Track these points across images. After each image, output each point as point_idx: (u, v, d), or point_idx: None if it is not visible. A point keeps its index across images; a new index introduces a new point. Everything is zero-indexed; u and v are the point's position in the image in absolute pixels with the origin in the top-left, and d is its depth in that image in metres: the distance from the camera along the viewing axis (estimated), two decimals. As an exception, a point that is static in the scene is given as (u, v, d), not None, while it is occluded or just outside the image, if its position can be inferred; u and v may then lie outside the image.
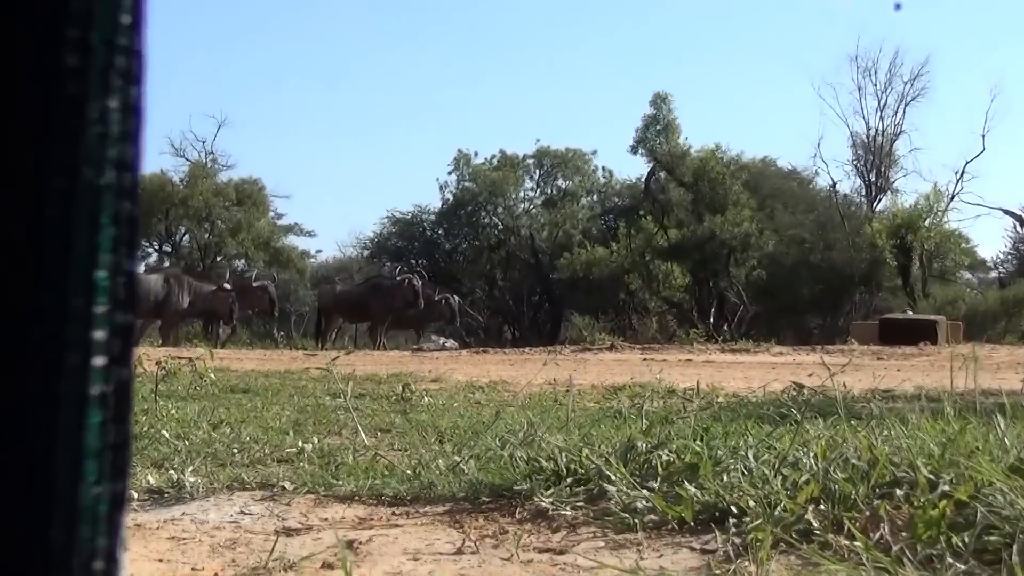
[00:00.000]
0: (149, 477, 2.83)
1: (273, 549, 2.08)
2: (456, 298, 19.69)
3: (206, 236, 27.64)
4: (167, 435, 3.64)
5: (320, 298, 20.35)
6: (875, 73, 29.05)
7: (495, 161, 30.82)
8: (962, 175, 28.27)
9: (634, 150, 26.17)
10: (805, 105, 52.30)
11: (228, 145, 46.45)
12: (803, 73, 55.57)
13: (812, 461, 2.30)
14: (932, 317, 16.97)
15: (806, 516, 1.98)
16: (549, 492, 2.44)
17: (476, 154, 30.54)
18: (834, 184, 29.22)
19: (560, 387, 6.64)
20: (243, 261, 29.57)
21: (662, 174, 26.69)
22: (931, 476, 2.07)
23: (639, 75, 46.90)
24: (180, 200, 26.46)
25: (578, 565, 1.95)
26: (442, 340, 15.67)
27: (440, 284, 30.04)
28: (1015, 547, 1.69)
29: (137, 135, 0.43)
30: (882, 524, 1.89)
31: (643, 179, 27.86)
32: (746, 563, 1.83)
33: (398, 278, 18.85)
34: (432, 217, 31.08)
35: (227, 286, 17.98)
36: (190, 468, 2.94)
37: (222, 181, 28.42)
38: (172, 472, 2.88)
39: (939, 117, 41.53)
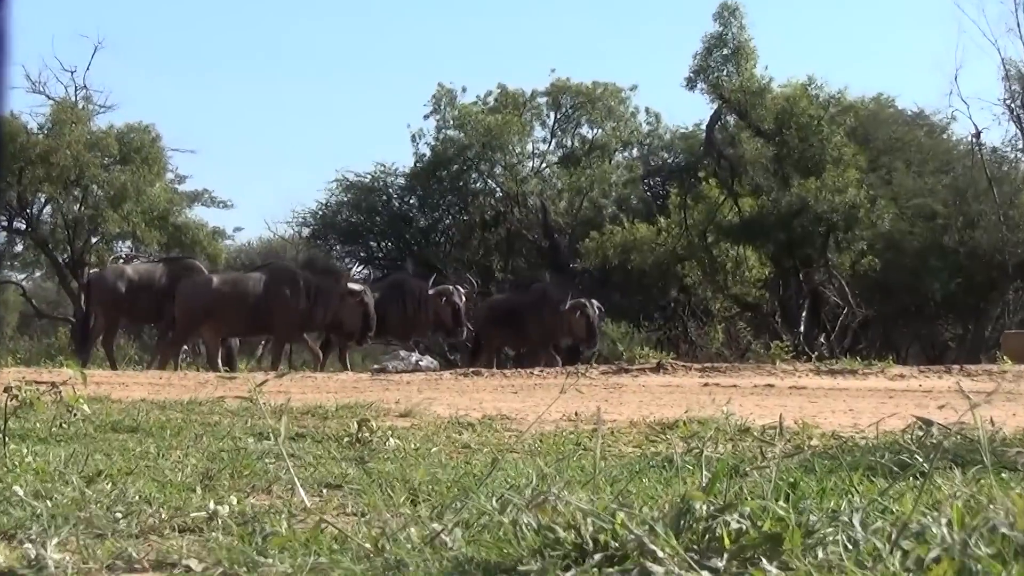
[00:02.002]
0: (-4, 552, 2.84)
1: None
2: (596, 307, 19.46)
3: (76, 207, 27.68)
4: (21, 492, 3.64)
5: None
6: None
7: (492, 100, 30.82)
8: None
9: (691, 84, 26.06)
10: (935, 20, 52.35)
11: (108, 78, 46.50)
12: (934, -27, 55.48)
13: (945, 530, 2.30)
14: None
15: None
16: (569, 574, 2.45)
17: (464, 90, 30.56)
18: (978, 133, 29.11)
19: (584, 424, 6.63)
20: (129, 242, 29.63)
21: (731, 119, 26.67)
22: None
23: (697, -24, 46.87)
24: (39, 156, 26.45)
25: None
26: (414, 357, 15.63)
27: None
28: None
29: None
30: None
31: (704, 126, 27.83)
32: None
33: (432, 290, 18.70)
34: (401, 181, 31.11)
35: (357, 287, 17.72)
36: (54, 540, 2.94)
37: (99, 128, 28.46)
38: (29, 546, 2.88)
39: None
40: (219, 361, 17.64)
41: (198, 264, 19.60)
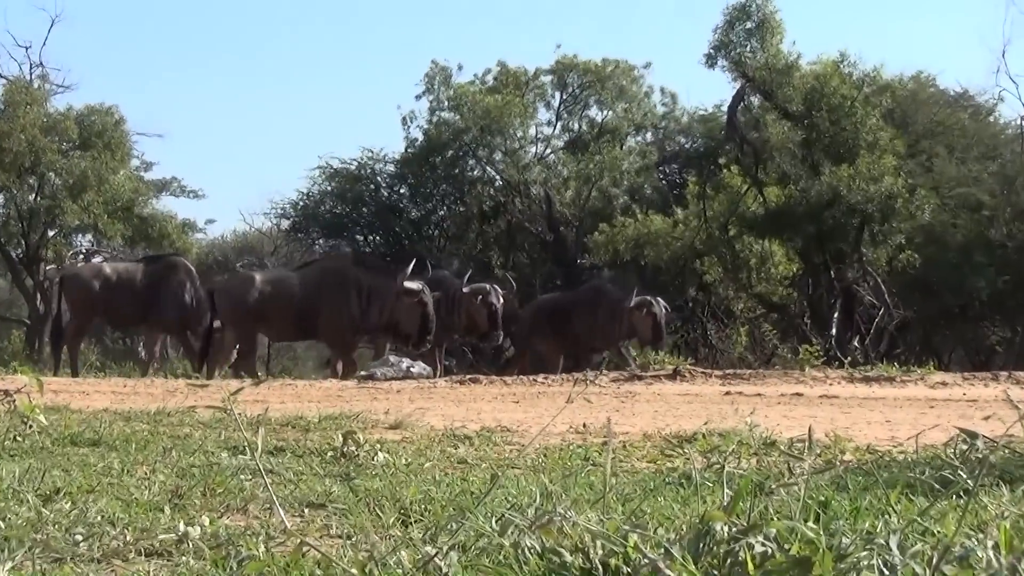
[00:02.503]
0: (-56, 578, 2.85)
1: None
2: (663, 306, 19.48)
3: (32, 197, 27.70)
4: (-28, 512, 3.66)
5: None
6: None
7: (491, 79, 30.82)
8: None
9: (711, 61, 26.03)
10: (982, -10, 52.28)
11: (66, 54, 46.61)
12: (979, -61, 55.51)
13: (991, 554, 2.30)
14: None
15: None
16: (576, 603, 2.45)
17: (460, 68, 30.58)
18: (1029, 115, 29.23)
19: (593, 437, 6.64)
20: (91, 236, 29.64)
21: (755, 99, 26.65)
22: None
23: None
24: (-9, 140, 26.49)
25: None
26: (405, 363, 15.62)
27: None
28: None
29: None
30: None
31: (725, 108, 27.83)
32: None
33: (466, 288, 18.67)
34: (391, 168, 31.13)
35: (414, 286, 17.43)
36: (8, 565, 2.95)
37: (56, 110, 28.47)
38: (-20, 571, 2.89)
39: None
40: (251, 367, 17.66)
41: (184, 262, 19.61)
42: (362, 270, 18.04)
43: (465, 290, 18.63)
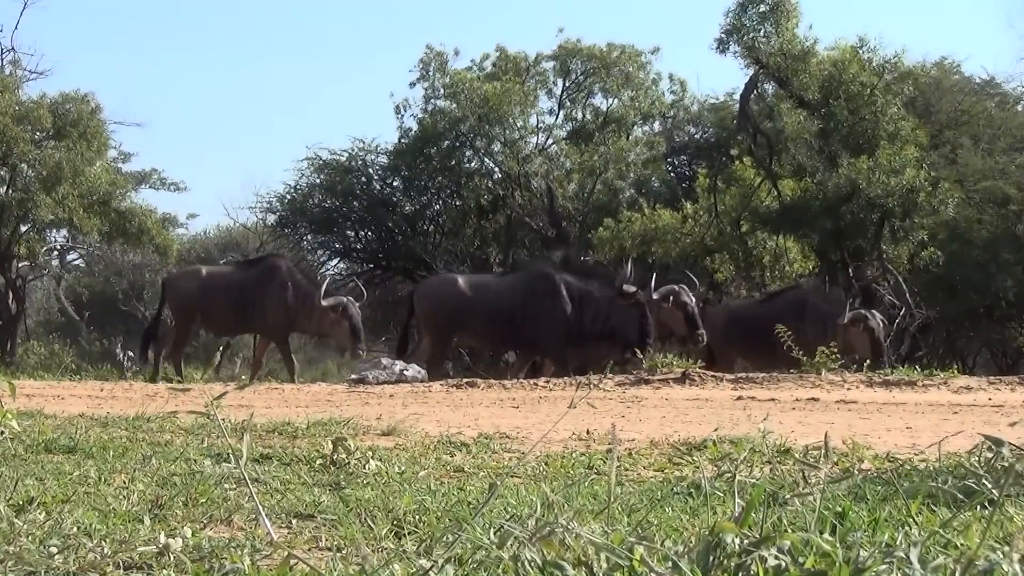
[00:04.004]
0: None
1: None
2: (880, 320, 19.13)
3: (3, 190, 27.69)
4: (-60, 523, 3.66)
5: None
6: None
7: (489, 65, 30.82)
8: None
9: (722, 47, 26.05)
10: (1010, -29, 52.22)
11: (40, 39, 46.60)
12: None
13: (1017, 567, 2.31)
14: None
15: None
16: (578, 619, 2.45)
17: (457, 54, 30.58)
18: (1059, 104, 29.27)
19: (597, 444, 6.65)
20: (65, 231, 29.63)
21: (769, 87, 26.67)
22: None
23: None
24: (-42, 130, 26.49)
25: None
26: (399, 366, 15.61)
27: (397, 272, 30.05)
28: None
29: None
30: None
31: (737, 96, 27.84)
32: None
33: (655, 294, 18.15)
34: (383, 159, 31.12)
35: (630, 289, 17.43)
36: (-21, 578, 2.95)
37: (29, 98, 28.45)
38: (-51, 585, 2.89)
39: None
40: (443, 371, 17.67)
41: (285, 263, 19.76)
42: (572, 275, 18.08)
43: (655, 295, 18.17)
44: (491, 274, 20.11)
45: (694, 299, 18.65)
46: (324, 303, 18.21)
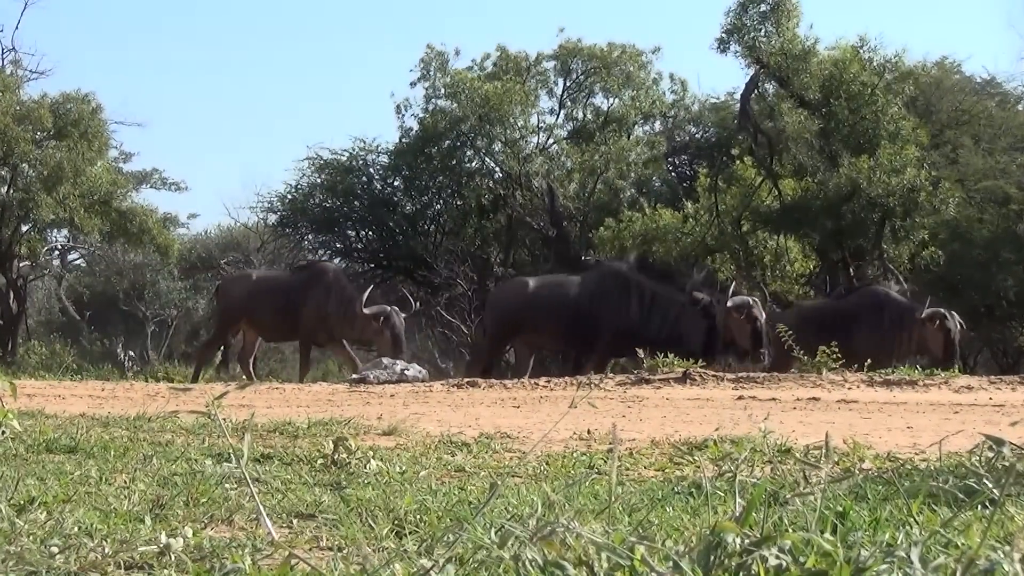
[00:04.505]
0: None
1: None
2: (956, 320, 18.70)
3: (4, 190, 27.71)
4: (-59, 523, 3.66)
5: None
6: None
7: (490, 64, 30.83)
8: None
9: (723, 46, 26.06)
10: (1011, -30, 52.17)
11: (41, 39, 46.65)
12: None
13: (1018, 567, 2.31)
14: None
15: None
16: (579, 618, 2.45)
17: (458, 53, 30.59)
18: (1059, 104, 29.27)
19: (598, 444, 6.65)
20: (66, 231, 29.63)
21: (770, 86, 26.67)
22: None
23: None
24: (-42, 129, 26.51)
25: None
26: (399, 365, 15.60)
27: (398, 272, 30.04)
28: None
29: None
30: None
31: (738, 95, 27.84)
32: None
33: (729, 302, 17.77)
34: (384, 159, 31.13)
35: (701, 295, 17.39)
36: (-20, 578, 2.95)
37: (30, 98, 28.48)
38: (-50, 584, 2.89)
39: None
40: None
41: (333, 268, 19.80)
42: (645, 276, 17.93)
43: (729, 304, 17.89)
44: (563, 273, 19.94)
45: (764, 315, 18.26)
46: (366, 311, 18.15)
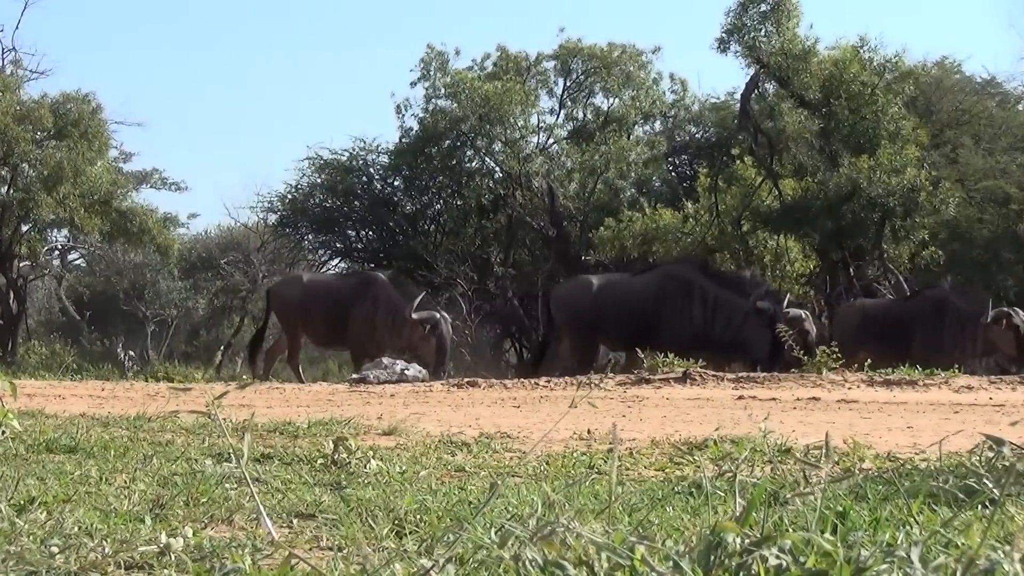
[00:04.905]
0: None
1: None
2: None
3: (4, 190, 27.70)
4: (-59, 523, 3.66)
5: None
6: None
7: (490, 64, 30.83)
8: None
9: (723, 46, 26.05)
10: (1011, -30, 52.18)
11: (41, 39, 46.64)
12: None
13: (1018, 567, 2.30)
14: None
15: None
16: (579, 618, 2.45)
17: (458, 53, 30.59)
18: (1059, 104, 29.27)
19: (598, 444, 6.64)
20: (66, 231, 29.62)
21: (770, 86, 26.66)
22: None
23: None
24: (-42, 129, 26.49)
25: None
26: (399, 365, 15.59)
27: (398, 272, 30.09)
28: None
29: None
30: None
31: (738, 95, 27.84)
32: None
33: (765, 307, 17.69)
34: (384, 159, 31.14)
35: (765, 305, 17.23)
36: (-20, 578, 2.95)
37: (30, 98, 28.47)
38: (-50, 584, 2.89)
39: None
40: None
41: (380, 278, 19.72)
42: (708, 280, 17.92)
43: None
44: (625, 273, 19.91)
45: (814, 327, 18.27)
46: (415, 316, 18.05)
